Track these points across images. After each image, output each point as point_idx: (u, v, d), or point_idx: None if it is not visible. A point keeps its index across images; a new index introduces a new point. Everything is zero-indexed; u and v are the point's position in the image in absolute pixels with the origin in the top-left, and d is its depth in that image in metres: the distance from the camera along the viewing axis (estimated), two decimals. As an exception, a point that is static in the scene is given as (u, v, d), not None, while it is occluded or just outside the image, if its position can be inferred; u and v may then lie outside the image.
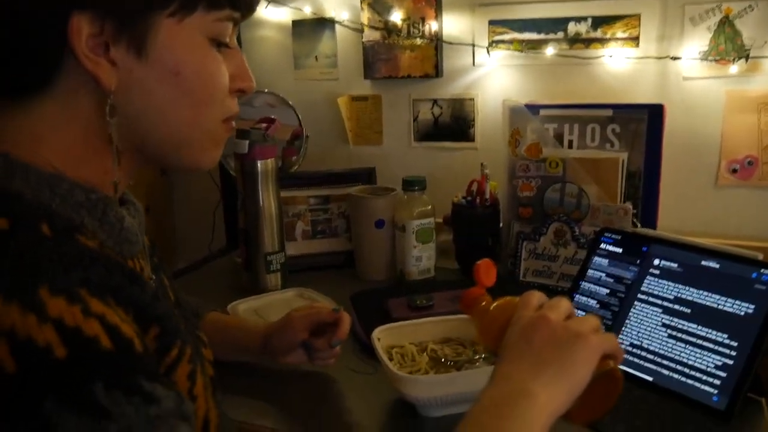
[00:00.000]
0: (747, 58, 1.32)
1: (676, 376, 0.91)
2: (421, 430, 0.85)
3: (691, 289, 0.96)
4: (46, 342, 0.39)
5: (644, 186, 1.33)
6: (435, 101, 1.61)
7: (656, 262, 1.02)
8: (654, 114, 1.32)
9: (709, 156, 1.41)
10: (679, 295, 0.97)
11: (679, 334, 0.94)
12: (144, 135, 0.56)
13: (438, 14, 1.53)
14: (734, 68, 1.34)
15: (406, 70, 1.59)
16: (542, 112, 1.38)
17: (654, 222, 1.33)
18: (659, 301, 0.98)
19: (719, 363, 0.88)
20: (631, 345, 0.97)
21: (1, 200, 0.46)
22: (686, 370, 0.91)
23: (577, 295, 1.08)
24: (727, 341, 0.89)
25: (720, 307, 0.92)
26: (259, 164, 1.29)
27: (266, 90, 1.60)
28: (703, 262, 0.97)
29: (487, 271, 0.74)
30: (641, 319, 0.98)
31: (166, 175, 1.92)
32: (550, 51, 1.46)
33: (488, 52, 1.52)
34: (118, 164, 0.55)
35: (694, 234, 1.29)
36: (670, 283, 0.99)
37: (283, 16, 1.70)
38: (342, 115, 1.68)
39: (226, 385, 0.62)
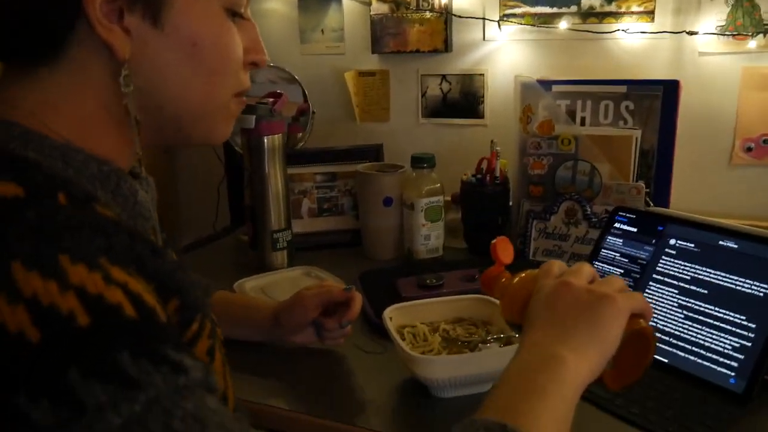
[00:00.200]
0: (765, 33, 1.29)
1: (692, 358, 0.89)
2: (434, 411, 0.84)
3: (708, 270, 0.94)
4: (69, 309, 0.38)
5: (657, 164, 1.31)
6: (444, 77, 1.58)
7: (672, 242, 1.00)
8: (669, 90, 1.29)
9: (723, 134, 1.38)
10: (696, 275, 0.95)
11: (696, 316, 0.92)
12: (158, 107, 0.54)
13: (448, -13, 1.50)
14: (752, 43, 1.31)
15: (415, 45, 1.55)
16: (554, 88, 1.35)
17: (666, 201, 1.31)
18: (675, 282, 0.96)
19: (737, 345, 0.87)
20: (646, 326, 0.95)
21: (18, 169, 0.44)
22: (703, 352, 0.89)
23: (590, 275, 1.06)
24: (745, 323, 0.87)
25: (738, 288, 0.90)
26: (265, 140, 1.26)
27: (271, 64, 1.57)
28: (721, 242, 0.95)
29: (504, 248, 0.73)
30: (657, 300, 0.96)
31: (169, 151, 1.90)
32: (563, 25, 1.43)
33: (499, 26, 1.48)
34: (138, 134, 0.54)
35: (707, 213, 1.26)
36: (686, 264, 0.97)
37: (289, -12, 1.66)
38: (349, 90, 1.65)
39: (233, 364, 0.61)
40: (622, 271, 1.03)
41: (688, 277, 0.95)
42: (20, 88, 0.51)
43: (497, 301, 0.89)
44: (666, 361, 0.91)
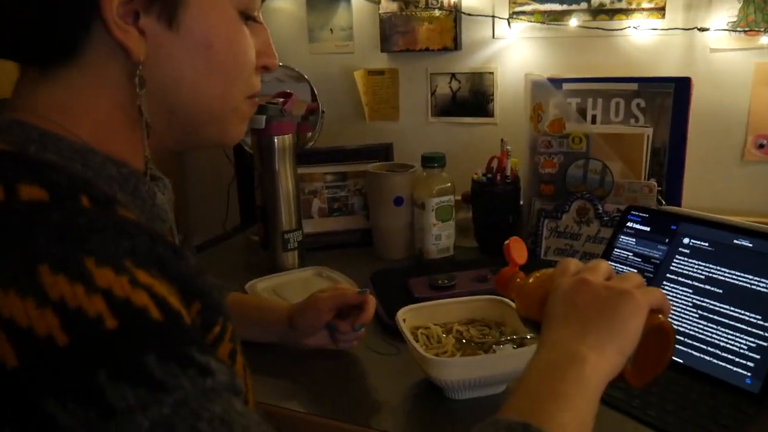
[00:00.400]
0: (778, 29, 1.28)
1: (708, 358, 0.89)
2: (448, 413, 0.84)
3: (723, 269, 0.93)
4: (96, 313, 0.38)
5: (669, 162, 1.30)
6: (453, 75, 1.58)
7: (686, 240, 0.99)
8: (681, 88, 1.28)
9: (735, 131, 1.37)
10: (711, 275, 0.94)
11: (711, 315, 0.91)
12: (172, 109, 0.54)
13: (457, -15, 1.49)
14: (765, 39, 1.30)
15: (424, 43, 1.55)
16: (565, 86, 1.34)
17: (678, 199, 1.30)
18: (690, 281, 0.96)
19: (753, 345, 0.86)
20: (661, 326, 0.95)
21: (41, 171, 0.44)
22: (718, 352, 0.88)
23: (604, 275, 1.06)
24: (760, 322, 0.87)
25: (753, 287, 0.90)
26: (276, 140, 1.26)
27: (281, 63, 1.57)
28: (736, 241, 0.94)
29: (517, 249, 0.72)
30: (671, 300, 0.96)
31: (180, 152, 1.90)
32: (573, 23, 1.42)
33: (509, 24, 1.48)
34: (147, 138, 0.54)
35: (719, 210, 1.26)
36: (700, 263, 0.96)
37: (297, -13, 1.66)
38: (358, 89, 1.65)
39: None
40: (635, 271, 1.02)
41: (703, 277, 0.95)
42: (36, 91, 0.51)
43: (510, 302, 0.89)
44: (681, 361, 0.90)
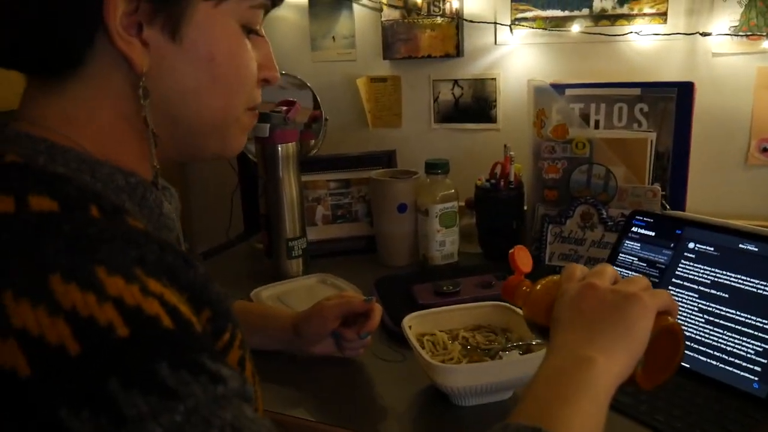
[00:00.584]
0: (780, 33, 1.28)
1: (714, 362, 0.89)
2: (455, 419, 0.84)
3: (729, 273, 0.93)
4: (107, 321, 0.38)
5: (673, 167, 1.30)
6: (456, 82, 1.58)
7: (691, 245, 0.99)
8: (684, 92, 1.28)
9: (738, 135, 1.38)
10: (716, 279, 0.94)
11: (717, 320, 0.91)
12: (175, 120, 0.54)
13: (459, -8, 1.50)
14: (767, 43, 1.30)
15: (426, 50, 1.56)
16: (568, 91, 1.34)
17: (682, 204, 1.30)
18: (695, 286, 0.96)
19: (759, 349, 0.86)
20: (667, 331, 0.95)
21: (51, 183, 0.45)
22: (725, 357, 0.88)
23: (609, 280, 1.06)
24: (767, 326, 0.87)
25: (759, 291, 0.90)
26: (280, 148, 1.26)
27: (283, 72, 1.57)
28: (741, 245, 0.94)
29: (522, 257, 0.73)
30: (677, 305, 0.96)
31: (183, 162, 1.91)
32: (575, 29, 1.42)
33: (511, 30, 1.48)
34: (155, 147, 0.54)
35: (723, 214, 1.26)
36: (706, 267, 0.96)
37: (299, -4, 1.67)
38: (360, 96, 1.65)
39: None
40: (640, 275, 1.02)
41: (708, 281, 0.95)
42: (42, 103, 0.52)
43: (516, 309, 0.89)
44: (688, 366, 0.90)
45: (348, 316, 0.94)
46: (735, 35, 1.32)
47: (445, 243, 1.32)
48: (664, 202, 1.25)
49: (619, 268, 1.06)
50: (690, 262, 0.98)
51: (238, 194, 1.78)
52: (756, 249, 0.93)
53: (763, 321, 0.87)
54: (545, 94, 1.34)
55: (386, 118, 1.67)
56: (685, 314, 0.94)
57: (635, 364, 0.57)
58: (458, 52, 1.53)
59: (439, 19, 1.52)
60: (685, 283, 0.97)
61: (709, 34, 1.33)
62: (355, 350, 0.96)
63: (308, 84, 1.58)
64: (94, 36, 0.49)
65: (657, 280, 1.00)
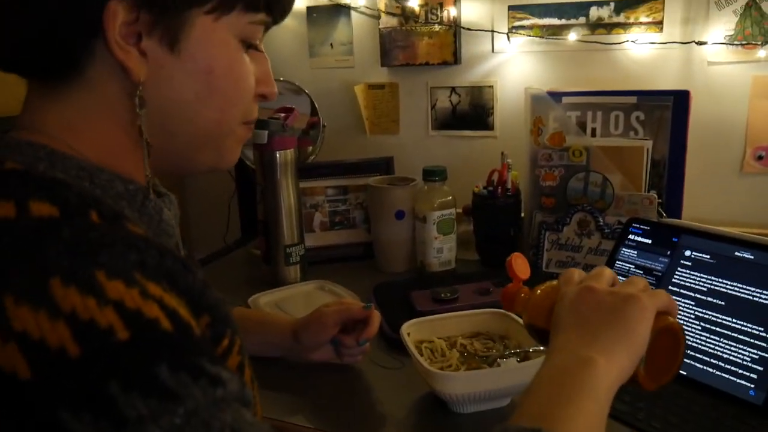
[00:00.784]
0: (775, 42, 1.29)
1: (711, 370, 0.89)
2: (453, 426, 0.84)
3: (725, 281, 0.94)
4: (108, 324, 0.38)
5: (669, 174, 1.31)
6: (453, 89, 1.59)
7: (687, 253, 1.00)
8: (679, 100, 1.29)
9: (734, 143, 1.39)
10: (713, 287, 0.95)
11: (714, 328, 0.92)
12: (171, 131, 0.55)
13: (456, 0, 1.51)
14: (762, 52, 1.31)
15: (424, 57, 1.56)
16: (565, 99, 1.35)
17: (679, 211, 1.31)
18: (692, 294, 0.96)
19: (756, 356, 0.87)
20: (664, 338, 0.95)
21: (50, 189, 0.45)
22: (721, 364, 0.89)
23: (606, 287, 1.06)
24: (763, 334, 0.87)
25: (755, 299, 0.90)
26: (278, 155, 1.27)
27: (281, 78, 1.58)
28: (737, 253, 0.95)
29: (519, 264, 0.73)
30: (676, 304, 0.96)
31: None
32: (571, 37, 1.43)
33: (508, 38, 1.49)
34: (148, 156, 0.54)
35: (718, 222, 1.27)
36: (702, 275, 0.97)
37: (297, 2, 1.67)
38: (358, 103, 1.66)
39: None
40: (637, 282, 1.03)
41: (705, 289, 0.95)
42: (42, 109, 0.52)
43: (514, 316, 0.90)
44: (685, 373, 0.91)
45: (347, 322, 0.94)
46: (730, 44, 1.33)
47: (442, 250, 1.33)
48: (660, 209, 1.26)
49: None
50: (686, 269, 0.99)
51: (235, 200, 1.78)
52: (752, 257, 0.93)
53: (759, 328, 0.88)
54: (542, 102, 1.35)
55: (384, 124, 1.68)
56: (681, 322, 0.95)
57: (636, 365, 0.57)
58: (456, 59, 1.54)
59: (436, 27, 1.53)
60: (682, 291, 0.97)
61: (704, 43, 1.35)
62: (354, 357, 0.96)
63: (306, 90, 1.58)
64: (93, 44, 0.50)
65: (654, 288, 1.00)
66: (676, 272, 0.99)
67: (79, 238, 0.42)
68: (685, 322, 0.95)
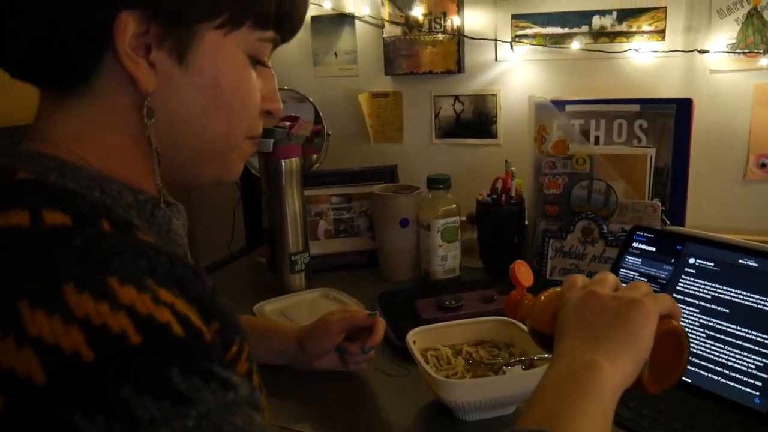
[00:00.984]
0: (777, 50, 1.30)
1: (715, 377, 0.89)
2: (459, 434, 0.84)
3: (729, 289, 0.94)
4: (120, 329, 0.39)
5: (672, 182, 1.32)
6: (457, 97, 1.60)
7: (691, 260, 1.00)
8: (682, 109, 1.30)
9: (736, 150, 1.39)
10: (717, 294, 0.95)
11: (718, 335, 0.92)
12: (177, 143, 0.55)
13: (460, 9, 1.52)
14: (764, 61, 1.32)
15: (428, 66, 1.57)
16: (568, 107, 1.36)
17: (682, 219, 1.32)
18: (696, 301, 0.96)
19: (761, 364, 0.87)
20: (668, 346, 0.95)
21: (62, 198, 0.46)
22: (726, 372, 0.89)
23: (610, 295, 1.07)
24: (767, 341, 0.88)
25: (759, 306, 0.90)
26: (283, 163, 1.28)
27: (285, 87, 1.59)
28: (741, 261, 0.95)
29: (523, 272, 0.74)
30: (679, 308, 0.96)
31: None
32: (574, 45, 1.44)
33: (511, 47, 1.50)
34: (158, 166, 0.55)
35: (722, 229, 1.27)
36: (706, 283, 0.97)
37: (301, 12, 1.68)
38: (362, 112, 1.67)
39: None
40: (641, 290, 1.03)
41: (709, 296, 0.95)
42: (54, 119, 0.53)
43: (519, 323, 0.90)
44: (690, 381, 0.91)
45: (352, 330, 0.94)
46: (732, 52, 1.34)
47: (446, 257, 1.33)
48: (663, 217, 1.27)
49: (620, 283, 1.07)
50: (690, 277, 0.99)
51: (240, 209, 1.79)
52: (756, 264, 0.94)
53: (764, 336, 0.88)
54: (546, 110, 1.35)
55: (388, 133, 1.68)
56: (686, 329, 0.95)
57: (640, 368, 0.58)
58: (459, 68, 1.55)
59: (440, 36, 1.54)
60: (686, 299, 0.98)
61: (707, 52, 1.35)
62: (359, 365, 0.96)
63: (310, 99, 1.59)
64: (103, 54, 0.51)
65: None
66: (680, 280, 1.00)
67: (91, 246, 0.42)
68: (689, 330, 0.95)
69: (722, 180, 1.41)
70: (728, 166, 1.40)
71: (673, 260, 1.02)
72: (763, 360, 0.87)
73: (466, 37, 1.53)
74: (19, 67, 0.53)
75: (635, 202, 1.27)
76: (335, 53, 1.68)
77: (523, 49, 1.50)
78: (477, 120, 1.59)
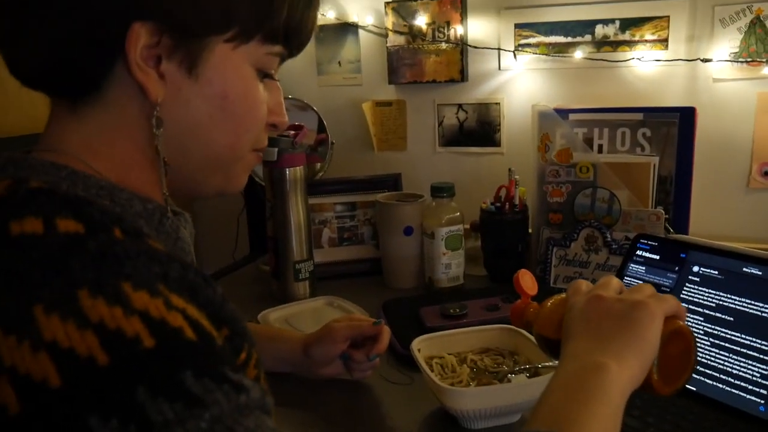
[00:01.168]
0: (780, 59, 1.31)
1: (720, 386, 0.89)
2: (464, 443, 0.84)
3: (733, 297, 0.94)
4: (134, 333, 0.39)
5: (676, 190, 1.32)
6: (460, 106, 1.60)
7: (695, 269, 1.00)
8: (685, 117, 1.30)
9: (740, 159, 1.39)
10: (721, 302, 0.95)
11: (723, 343, 0.92)
12: (184, 153, 0.56)
13: (463, 18, 1.53)
14: (767, 69, 1.32)
15: (431, 75, 1.58)
16: (571, 116, 1.37)
17: (686, 227, 1.32)
18: (700, 309, 0.96)
19: (765, 372, 0.87)
20: (673, 354, 0.95)
21: (75, 206, 0.46)
22: (731, 380, 0.89)
23: (614, 303, 1.07)
24: (772, 350, 0.88)
25: (764, 314, 0.90)
26: (288, 172, 1.28)
27: (289, 96, 1.60)
28: (745, 269, 0.95)
29: (527, 281, 0.74)
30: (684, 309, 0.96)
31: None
32: (578, 55, 1.45)
33: (514, 56, 1.51)
34: (165, 174, 0.55)
35: (725, 238, 1.28)
36: (710, 291, 0.97)
37: (305, 21, 1.69)
38: (366, 120, 1.67)
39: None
40: (645, 298, 1.03)
41: (713, 305, 0.95)
42: (64, 129, 0.54)
43: (524, 331, 0.90)
44: (695, 389, 0.91)
45: (357, 338, 0.94)
46: (735, 61, 1.34)
47: (450, 266, 1.33)
48: (667, 225, 1.27)
49: (624, 291, 1.07)
50: (695, 285, 0.99)
51: (244, 217, 1.80)
52: (760, 273, 0.94)
53: (768, 344, 0.88)
54: (549, 119, 1.36)
55: (391, 141, 1.69)
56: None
57: (648, 369, 0.58)
58: (462, 77, 1.56)
59: (443, 45, 1.55)
60: (690, 307, 0.98)
61: (709, 60, 1.36)
62: (364, 372, 0.96)
63: (314, 107, 1.60)
64: (114, 64, 0.51)
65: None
66: (685, 288, 1.00)
67: (104, 252, 0.43)
68: (694, 338, 0.95)
69: (726, 188, 1.41)
70: (731, 174, 1.40)
71: (677, 268, 1.02)
72: (768, 368, 0.87)
73: (470, 46, 1.54)
74: (32, 77, 0.54)
75: (639, 210, 1.28)
76: (339, 62, 1.69)
77: (527, 58, 1.51)
78: (480, 128, 1.60)
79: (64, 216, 0.45)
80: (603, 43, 1.44)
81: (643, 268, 1.07)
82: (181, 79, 0.53)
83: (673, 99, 1.41)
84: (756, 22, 1.32)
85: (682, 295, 0.99)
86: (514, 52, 1.51)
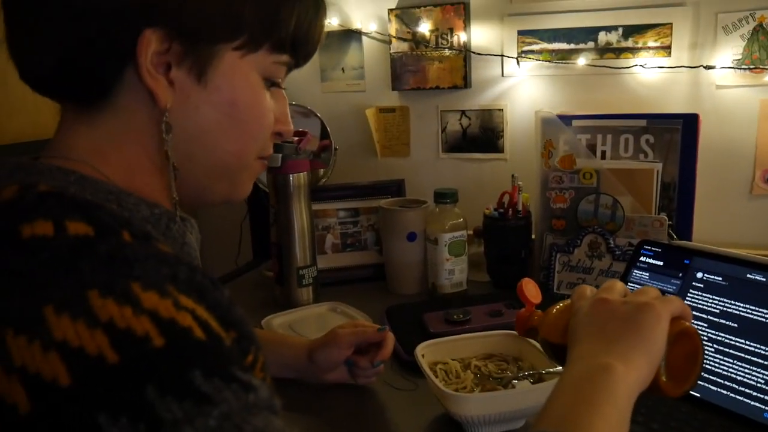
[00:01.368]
0: (783, 66, 1.31)
1: (724, 392, 0.89)
2: (468, 449, 0.84)
3: (737, 303, 0.94)
4: (144, 332, 0.40)
5: (679, 197, 1.32)
6: (463, 112, 1.61)
7: (699, 275, 1.00)
8: (689, 124, 1.30)
9: (743, 165, 1.39)
10: (725, 309, 0.95)
11: (727, 350, 0.92)
12: (192, 159, 0.57)
13: (466, 25, 1.53)
14: (770, 76, 1.32)
15: (435, 82, 1.58)
16: (575, 122, 1.37)
17: (689, 233, 1.32)
18: (704, 316, 0.96)
19: (770, 379, 0.87)
20: (677, 360, 0.95)
21: (85, 209, 0.47)
22: (735, 386, 0.89)
23: (618, 309, 1.07)
24: (776, 356, 0.88)
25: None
26: (291, 178, 1.29)
27: (293, 102, 1.60)
28: (749, 275, 0.95)
29: (530, 289, 0.75)
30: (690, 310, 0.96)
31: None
32: (581, 61, 1.45)
33: (518, 62, 1.51)
34: (174, 179, 0.56)
35: (728, 244, 1.27)
36: (714, 297, 0.97)
37: (309, 28, 1.70)
38: (369, 126, 1.68)
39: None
40: (649, 304, 1.03)
41: (717, 311, 0.95)
42: (73, 134, 0.54)
43: (528, 339, 0.90)
44: (699, 395, 0.91)
45: (361, 344, 0.95)
46: (738, 68, 1.35)
47: (454, 271, 1.33)
48: (670, 231, 1.27)
49: (628, 298, 1.07)
50: (699, 291, 0.99)
51: (247, 223, 1.80)
52: (764, 279, 0.94)
53: (773, 351, 0.88)
54: (552, 125, 1.36)
55: (395, 147, 1.69)
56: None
57: (655, 370, 0.58)
58: (466, 83, 1.56)
59: (447, 52, 1.56)
60: (694, 313, 0.97)
61: (712, 67, 1.36)
62: (368, 378, 0.97)
63: (317, 114, 1.61)
64: (124, 70, 0.52)
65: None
66: (688, 294, 1.00)
67: (114, 254, 0.43)
68: (698, 344, 0.95)
69: (729, 195, 1.41)
70: (735, 180, 1.40)
71: (680, 274, 1.03)
72: (773, 375, 0.86)
73: (473, 52, 1.54)
74: (42, 82, 0.54)
75: (642, 217, 1.28)
76: (342, 69, 1.70)
77: (530, 64, 1.51)
78: (483, 135, 1.60)
79: (73, 219, 0.45)
80: (606, 50, 1.44)
81: (647, 274, 1.07)
82: (190, 85, 0.53)
83: (676, 106, 1.41)
84: (759, 29, 1.33)
85: (686, 301, 0.99)
86: (517, 58, 1.51)
